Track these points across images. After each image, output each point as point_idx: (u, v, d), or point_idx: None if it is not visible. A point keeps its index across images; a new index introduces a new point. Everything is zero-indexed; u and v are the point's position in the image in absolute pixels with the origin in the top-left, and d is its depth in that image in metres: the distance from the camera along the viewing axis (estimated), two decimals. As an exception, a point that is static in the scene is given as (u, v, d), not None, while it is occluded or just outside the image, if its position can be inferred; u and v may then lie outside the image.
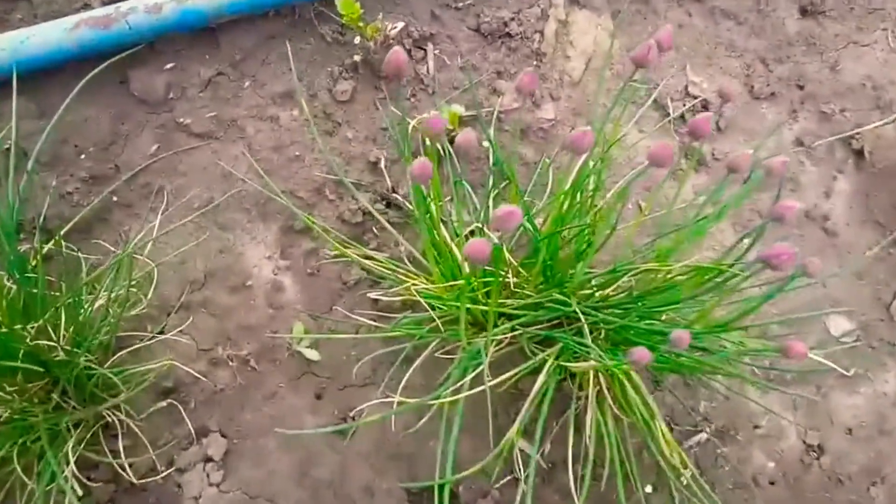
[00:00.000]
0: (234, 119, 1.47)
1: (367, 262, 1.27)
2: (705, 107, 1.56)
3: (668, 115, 1.55)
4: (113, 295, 1.18)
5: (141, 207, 1.40)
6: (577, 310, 1.06)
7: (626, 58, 1.58)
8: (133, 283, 1.27)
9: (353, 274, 1.38)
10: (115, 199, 1.40)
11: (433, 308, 1.11)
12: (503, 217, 0.74)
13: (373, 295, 1.29)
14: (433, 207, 1.15)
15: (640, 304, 1.06)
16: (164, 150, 1.44)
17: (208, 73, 1.48)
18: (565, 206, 1.11)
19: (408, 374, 1.20)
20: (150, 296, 1.29)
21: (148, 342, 1.28)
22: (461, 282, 1.09)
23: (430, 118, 0.86)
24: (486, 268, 1.17)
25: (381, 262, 1.28)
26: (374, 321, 1.32)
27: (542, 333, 1.15)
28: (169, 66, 1.48)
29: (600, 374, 1.17)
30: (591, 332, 1.12)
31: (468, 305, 1.08)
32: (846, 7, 1.66)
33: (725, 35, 1.63)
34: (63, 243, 1.29)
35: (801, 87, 1.60)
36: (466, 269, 1.14)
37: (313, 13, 1.52)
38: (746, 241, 1.01)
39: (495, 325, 1.14)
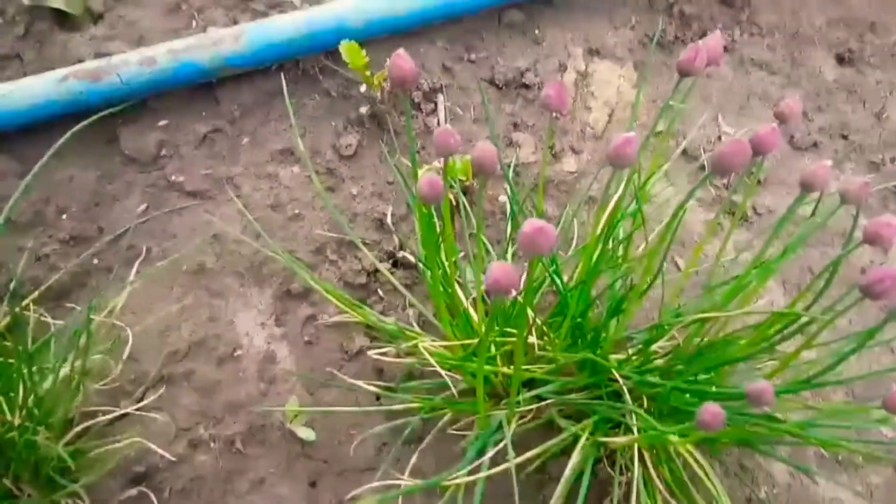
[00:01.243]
0: (230, 177, 1.36)
1: (371, 327, 1.12)
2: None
3: (703, 166, 1.42)
4: (77, 364, 1.03)
5: (124, 271, 1.27)
6: (615, 372, 0.89)
7: (652, 109, 1.47)
8: (105, 351, 1.12)
9: (356, 342, 1.22)
10: (95, 262, 1.28)
11: (444, 370, 0.95)
12: (532, 234, 0.59)
13: (373, 354, 1.12)
14: (445, 262, 1.01)
15: (693, 362, 0.89)
16: (154, 209, 1.33)
17: (204, 129, 1.38)
18: (595, 255, 0.96)
19: (415, 454, 1.03)
20: (120, 366, 1.13)
21: (118, 419, 1.11)
22: (475, 340, 0.93)
23: (424, 179, 0.72)
24: (507, 329, 1.01)
25: (387, 324, 1.13)
26: (379, 396, 1.16)
27: (574, 401, 0.97)
28: (162, 122, 1.39)
29: (646, 453, 0.99)
30: (632, 402, 0.95)
31: (486, 367, 0.91)
32: (887, 54, 1.56)
33: (758, 85, 1.52)
34: (33, 308, 1.16)
35: (845, 137, 1.47)
36: (484, 327, 0.98)
37: (318, 68, 1.44)
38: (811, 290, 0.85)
39: (517, 394, 0.97)
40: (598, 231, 0.95)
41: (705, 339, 0.90)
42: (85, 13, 1.51)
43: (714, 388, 0.95)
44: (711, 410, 0.64)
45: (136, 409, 1.13)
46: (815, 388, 0.79)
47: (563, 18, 1.55)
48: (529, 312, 0.93)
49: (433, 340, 0.99)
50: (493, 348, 0.95)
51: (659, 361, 0.99)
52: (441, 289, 0.94)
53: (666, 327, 0.90)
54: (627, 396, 0.90)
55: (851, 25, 1.60)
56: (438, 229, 1.00)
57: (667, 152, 1.39)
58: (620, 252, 1.02)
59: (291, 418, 1.16)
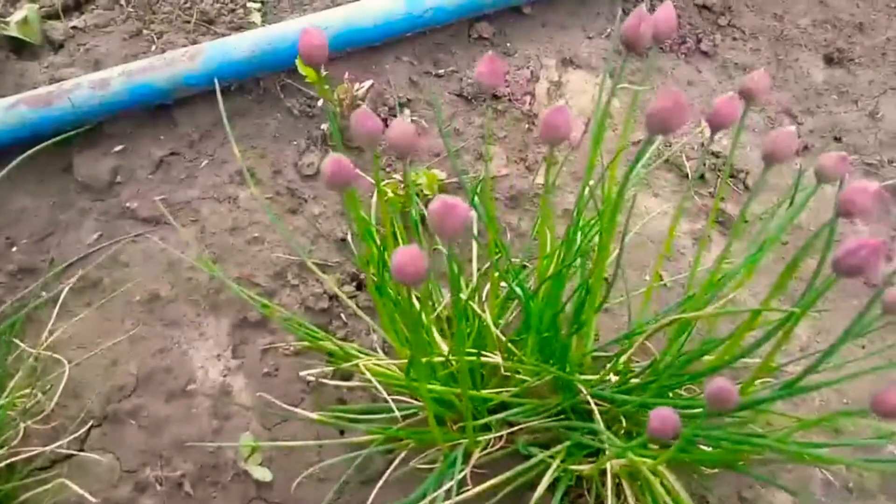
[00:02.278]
0: (187, 201, 1.29)
1: (334, 354, 1.04)
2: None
3: (686, 175, 1.34)
4: (6, 401, 0.95)
5: (73, 303, 1.20)
6: (583, 389, 0.80)
7: (631, 119, 1.40)
8: (42, 388, 1.04)
9: (317, 371, 1.14)
10: (44, 294, 1.20)
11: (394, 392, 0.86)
12: (441, 211, 0.51)
13: (307, 374, 1.03)
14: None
15: (667, 373, 0.80)
16: (107, 238, 1.26)
17: (161, 153, 1.32)
18: (559, 256, 0.88)
19: (374, 492, 0.93)
20: (54, 402, 1.05)
21: (58, 461, 1.03)
22: (430, 357, 0.84)
23: (330, 159, 0.65)
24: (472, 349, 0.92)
25: (347, 350, 1.04)
26: (342, 430, 1.07)
27: (541, 425, 0.88)
28: (118, 148, 1.33)
29: (625, 483, 0.89)
30: (607, 426, 0.86)
31: (437, 387, 0.82)
32: (877, 53, 1.48)
33: (742, 89, 1.44)
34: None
35: (839, 139, 1.39)
36: (441, 343, 0.90)
37: (279, 86, 1.38)
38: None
39: (479, 418, 0.88)
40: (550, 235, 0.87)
41: (682, 351, 0.81)
42: (44, 42, 1.47)
43: (686, 400, 0.86)
44: (660, 415, 0.54)
45: (77, 450, 1.04)
46: (800, 393, 0.70)
47: (535, 31, 1.49)
48: (489, 323, 0.84)
49: (377, 361, 0.90)
50: (446, 366, 0.86)
51: (634, 381, 0.90)
52: (388, 304, 0.86)
53: (636, 335, 0.81)
54: (598, 417, 0.81)
55: (838, 26, 1.54)
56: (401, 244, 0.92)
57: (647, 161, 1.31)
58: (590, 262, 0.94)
59: (246, 456, 1.07)
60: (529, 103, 1.38)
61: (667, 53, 1.48)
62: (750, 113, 1.43)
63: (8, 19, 1.44)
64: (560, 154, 1.34)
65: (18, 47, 1.45)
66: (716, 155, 1.36)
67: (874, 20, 1.53)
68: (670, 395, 0.88)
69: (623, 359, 0.87)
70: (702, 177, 1.35)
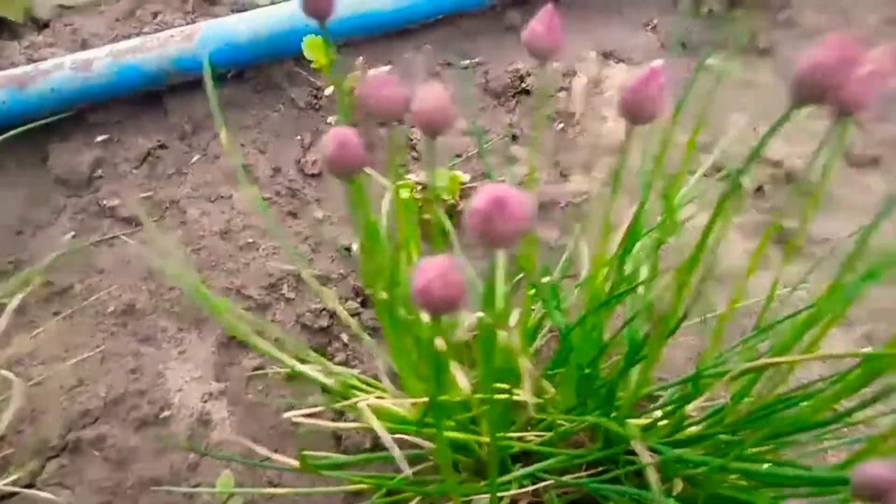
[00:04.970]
0: (175, 200, 1.14)
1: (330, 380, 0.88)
2: (788, 175, 1.19)
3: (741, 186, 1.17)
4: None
5: (38, 312, 1.05)
6: (640, 442, 0.64)
7: (679, 121, 1.23)
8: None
9: (312, 400, 0.98)
10: (4, 301, 1.06)
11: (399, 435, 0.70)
12: (489, 207, 0.36)
13: (292, 415, 0.87)
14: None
15: (743, 429, 0.63)
16: (82, 239, 1.11)
17: (148, 145, 1.18)
18: (608, 283, 0.71)
19: (373, 554, 0.77)
20: (5, 427, 0.90)
21: (4, 497, 0.88)
22: (450, 397, 0.68)
23: (332, 134, 0.49)
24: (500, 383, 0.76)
25: (347, 379, 0.88)
26: (339, 467, 0.91)
27: (580, 483, 0.71)
28: (100, 138, 1.19)
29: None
30: (659, 485, 0.69)
31: (458, 434, 0.66)
32: (958, 55, 1.31)
33: (805, 92, 1.28)
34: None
35: (915, 151, 1.22)
36: (461, 381, 0.74)
37: (284, 75, 1.23)
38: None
39: (506, 471, 0.72)
40: (604, 250, 0.71)
41: (755, 400, 0.64)
42: (28, 20, 1.34)
43: (769, 467, 0.69)
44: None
45: (26, 486, 0.89)
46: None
47: (572, 19, 1.34)
48: (520, 354, 0.68)
49: (381, 396, 0.74)
50: (467, 407, 0.70)
51: (694, 429, 0.73)
52: (398, 330, 0.70)
53: (706, 379, 0.65)
54: (653, 477, 0.64)
55: (912, 24, 1.37)
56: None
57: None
58: (642, 282, 0.77)
59: (224, 501, 0.91)
60: (563, 101, 1.22)
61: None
62: (811, 119, 1.26)
63: (-12, -6, 1.31)
64: (597, 158, 1.19)
65: (0, 27, 1.32)
66: (773, 163, 1.20)
67: (954, 18, 1.37)
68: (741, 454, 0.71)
69: (690, 407, 0.71)
70: (759, 189, 1.18)
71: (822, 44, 0.41)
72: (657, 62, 0.47)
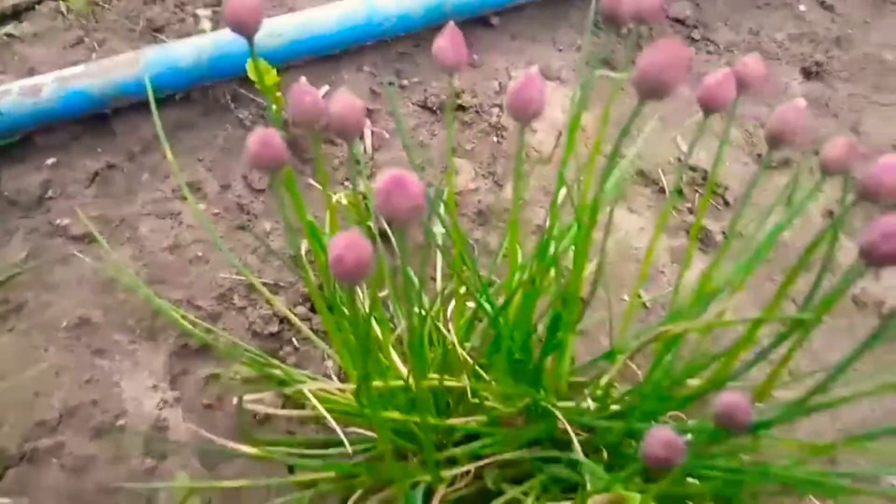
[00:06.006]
0: (124, 217, 1.18)
1: (284, 383, 0.93)
2: (705, 178, 1.29)
3: (662, 189, 1.26)
4: None
5: (-8, 330, 1.08)
6: (560, 416, 0.70)
7: (603, 132, 1.33)
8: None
9: (266, 402, 1.02)
10: (-42, 319, 1.08)
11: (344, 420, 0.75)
12: (389, 186, 0.42)
13: (249, 403, 0.92)
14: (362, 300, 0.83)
15: (651, 393, 0.70)
16: (34, 258, 1.14)
17: (97, 166, 1.22)
18: (530, 269, 0.78)
19: (325, 538, 0.82)
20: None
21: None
22: (386, 381, 0.74)
23: (255, 135, 0.56)
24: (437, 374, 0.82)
25: (297, 378, 0.93)
26: (292, 466, 0.95)
27: (512, 458, 0.77)
28: (50, 161, 1.22)
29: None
30: (586, 455, 0.76)
31: (394, 415, 0.72)
32: (856, 67, 1.44)
33: (719, 103, 1.39)
34: None
35: (819, 153, 1.33)
36: (401, 366, 0.80)
37: (230, 96, 1.29)
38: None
39: (444, 451, 0.78)
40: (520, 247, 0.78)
41: (668, 374, 0.72)
42: (-26, 50, 1.36)
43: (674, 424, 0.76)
44: (663, 439, 0.45)
45: (-16, 496, 0.91)
46: (801, 415, 0.60)
47: (504, 42, 1.43)
48: (454, 341, 0.74)
49: (325, 386, 0.79)
50: (407, 392, 0.76)
51: (616, 407, 0.80)
52: (339, 321, 0.76)
53: (618, 355, 0.72)
54: (578, 447, 0.71)
55: (815, 40, 1.49)
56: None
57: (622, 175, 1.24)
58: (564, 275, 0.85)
59: (181, 500, 0.94)
60: (497, 115, 1.30)
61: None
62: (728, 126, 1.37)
63: (-66, 24, 1.33)
64: (529, 167, 1.27)
65: (-55, 55, 1.34)
66: (693, 169, 1.29)
67: (851, 34, 1.50)
68: (654, 422, 0.78)
69: (604, 381, 0.78)
70: (679, 191, 1.28)
71: (656, 46, 0.49)
72: (534, 69, 0.55)
